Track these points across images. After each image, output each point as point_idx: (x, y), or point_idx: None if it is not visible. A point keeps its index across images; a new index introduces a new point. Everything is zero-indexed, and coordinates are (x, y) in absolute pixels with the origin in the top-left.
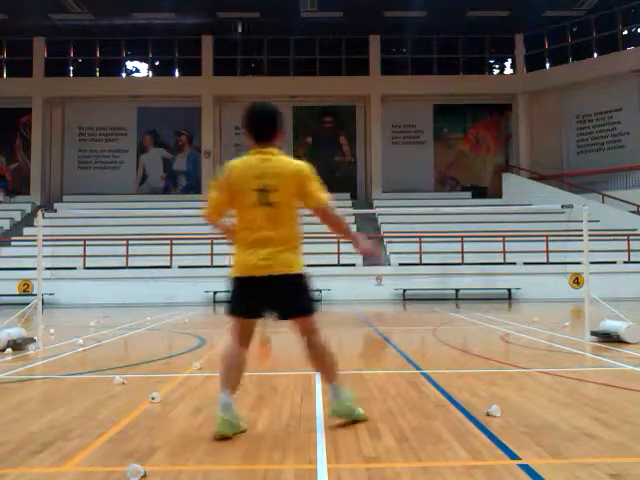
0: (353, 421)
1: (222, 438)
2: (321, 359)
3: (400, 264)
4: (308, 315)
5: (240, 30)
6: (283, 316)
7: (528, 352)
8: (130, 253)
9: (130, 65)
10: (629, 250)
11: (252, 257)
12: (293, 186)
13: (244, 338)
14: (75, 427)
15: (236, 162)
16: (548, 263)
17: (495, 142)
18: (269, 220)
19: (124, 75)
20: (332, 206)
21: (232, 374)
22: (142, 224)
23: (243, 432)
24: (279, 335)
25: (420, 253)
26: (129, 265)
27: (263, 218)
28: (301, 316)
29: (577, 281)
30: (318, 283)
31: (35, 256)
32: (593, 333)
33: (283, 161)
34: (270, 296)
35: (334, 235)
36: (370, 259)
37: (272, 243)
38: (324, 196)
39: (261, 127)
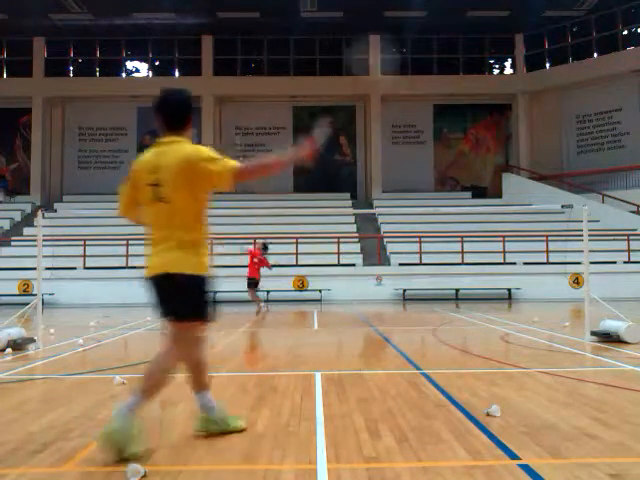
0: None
1: (208, 435)
2: (156, 373)
3: (400, 264)
4: (180, 320)
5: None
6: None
7: (528, 352)
8: (130, 253)
9: (130, 65)
10: (629, 250)
11: (149, 257)
12: (182, 178)
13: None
14: (75, 427)
15: (142, 155)
16: (548, 263)
17: (495, 142)
18: (162, 217)
19: (124, 75)
20: (242, 166)
21: (190, 375)
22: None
23: (242, 431)
24: (278, 335)
25: (420, 253)
26: (129, 265)
27: (157, 215)
28: (173, 320)
29: (577, 281)
30: (318, 283)
31: (35, 256)
32: (593, 333)
33: (174, 152)
34: (157, 298)
35: (334, 235)
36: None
37: (164, 241)
38: (227, 166)
39: (170, 116)
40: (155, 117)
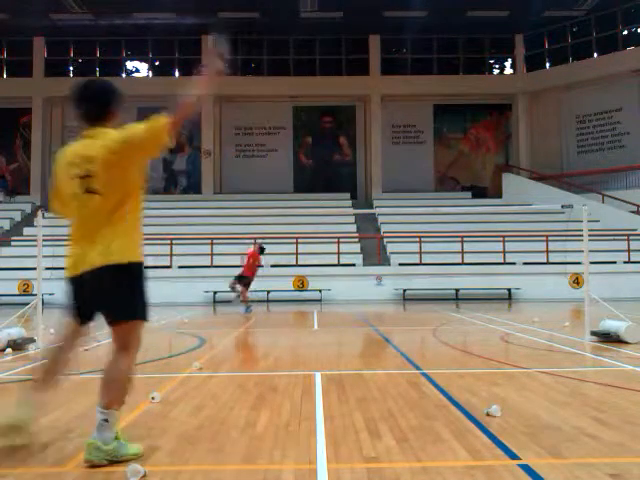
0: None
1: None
2: (112, 383)
3: (400, 264)
4: (121, 321)
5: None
6: (107, 320)
7: (528, 352)
8: None
9: (130, 65)
10: (629, 250)
11: (75, 253)
12: (115, 164)
13: (66, 338)
14: (75, 427)
15: (64, 149)
16: (548, 263)
17: (495, 142)
18: (92, 210)
19: (124, 75)
20: (171, 119)
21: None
22: (142, 224)
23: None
24: (278, 335)
25: (420, 253)
26: None
27: (87, 208)
28: (115, 321)
29: (577, 281)
30: (318, 283)
31: (35, 256)
32: (593, 333)
33: (102, 141)
34: (87, 297)
35: (334, 235)
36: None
37: (93, 236)
38: (159, 127)
39: (88, 107)
40: (74, 110)
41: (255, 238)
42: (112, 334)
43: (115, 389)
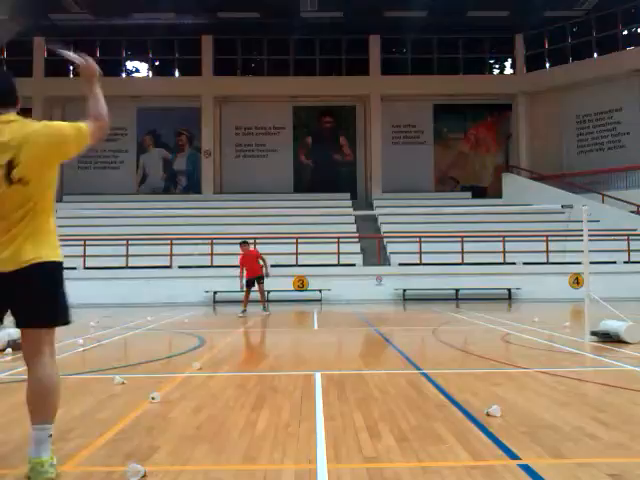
0: None
1: None
2: (47, 393)
3: (400, 264)
4: (47, 325)
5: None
6: (22, 323)
7: (528, 352)
8: (130, 253)
9: (130, 65)
10: (629, 250)
11: None
12: (50, 154)
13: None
14: (75, 427)
15: None
16: (548, 263)
17: (495, 142)
18: (15, 201)
19: (124, 75)
20: (91, 127)
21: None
22: (142, 224)
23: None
24: (278, 335)
25: (420, 253)
26: (129, 265)
27: (9, 199)
28: (39, 326)
29: (577, 281)
30: (318, 283)
31: None
32: (593, 333)
33: (31, 128)
34: (7, 297)
35: (334, 235)
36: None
37: (14, 229)
38: (84, 132)
39: (2, 92)
40: None
41: (255, 238)
42: (33, 338)
43: (57, 399)
